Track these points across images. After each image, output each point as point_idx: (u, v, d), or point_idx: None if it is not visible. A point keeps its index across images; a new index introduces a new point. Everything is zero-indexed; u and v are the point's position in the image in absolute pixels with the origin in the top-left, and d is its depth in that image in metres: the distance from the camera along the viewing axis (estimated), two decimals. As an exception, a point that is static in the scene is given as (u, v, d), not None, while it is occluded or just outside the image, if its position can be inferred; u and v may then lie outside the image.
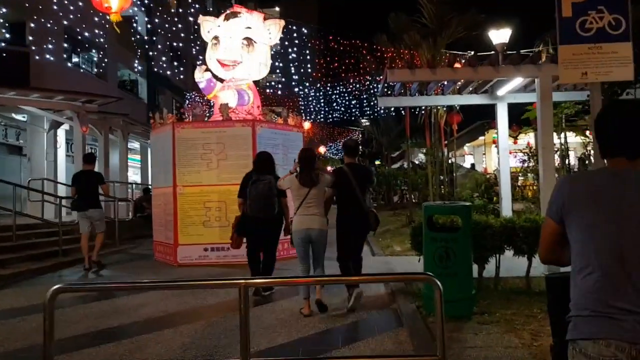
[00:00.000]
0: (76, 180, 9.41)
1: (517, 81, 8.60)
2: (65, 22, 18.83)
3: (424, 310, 5.32)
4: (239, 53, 10.07)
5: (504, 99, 9.52)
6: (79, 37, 20.51)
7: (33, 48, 17.46)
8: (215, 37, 10.25)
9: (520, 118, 13.03)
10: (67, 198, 12.86)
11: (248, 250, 6.89)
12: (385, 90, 10.83)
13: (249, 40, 10.14)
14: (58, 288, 2.91)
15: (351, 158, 6.47)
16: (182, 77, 33.17)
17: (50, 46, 17.88)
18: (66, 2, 18.98)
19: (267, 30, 10.44)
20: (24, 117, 17.00)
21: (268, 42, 10.53)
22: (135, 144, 23.65)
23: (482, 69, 7.71)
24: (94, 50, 22.46)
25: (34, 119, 16.49)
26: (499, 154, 9.62)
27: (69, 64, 20.29)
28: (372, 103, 23.98)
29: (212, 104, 11.33)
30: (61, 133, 17.52)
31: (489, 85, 9.04)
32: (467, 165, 21.44)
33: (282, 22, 10.49)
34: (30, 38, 17.87)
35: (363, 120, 29.73)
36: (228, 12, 10.34)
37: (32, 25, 18.05)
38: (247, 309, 2.77)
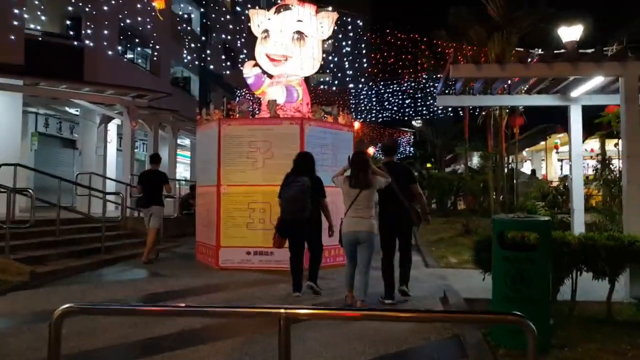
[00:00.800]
0: (142, 179, 10.07)
1: (596, 81, 7.70)
2: (120, 17, 18.85)
3: (491, 340, 4.60)
4: (290, 47, 9.56)
5: (579, 101, 8.62)
6: (134, 32, 20.55)
7: (88, 42, 17.53)
8: (265, 31, 9.77)
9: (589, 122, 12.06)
10: (113, 194, 12.71)
11: (290, 255, 6.89)
12: (445, 89, 10.07)
13: (300, 34, 9.62)
14: (68, 308, 2.37)
15: (389, 157, 6.81)
16: (233, 74, 33.12)
17: (105, 41, 17.92)
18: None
19: (319, 24, 9.89)
20: (76, 110, 17.07)
21: (320, 37, 9.97)
22: (185, 141, 23.61)
23: (559, 65, 6.88)
24: (148, 46, 22.50)
25: (86, 113, 16.52)
26: (572, 161, 8.71)
27: (123, 59, 20.35)
28: (427, 103, 22.99)
29: (258, 101, 10.86)
30: (113, 128, 17.52)
31: (562, 85, 8.17)
32: (526, 171, 20.29)
33: (335, 15, 9.91)
34: (86, 32, 17.96)
35: (415, 122, 28.58)
36: (279, 4, 9.83)
37: (88, 19, 18.15)
38: (288, 343, 2.21)
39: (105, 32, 18.04)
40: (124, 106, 14.26)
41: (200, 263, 9.73)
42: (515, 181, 15.17)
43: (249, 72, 9.95)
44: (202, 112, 9.96)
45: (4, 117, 13.04)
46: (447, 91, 10.45)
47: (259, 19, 10.08)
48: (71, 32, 18.39)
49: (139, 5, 20.42)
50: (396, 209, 6.31)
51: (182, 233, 14.60)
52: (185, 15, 26.92)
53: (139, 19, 20.34)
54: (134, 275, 8.73)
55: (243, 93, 29.18)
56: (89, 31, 17.91)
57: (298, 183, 6.57)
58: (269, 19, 9.76)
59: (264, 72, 10.12)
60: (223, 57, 31.01)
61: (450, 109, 20.58)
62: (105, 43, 17.94)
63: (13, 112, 13.33)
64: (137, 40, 21.18)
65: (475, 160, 21.52)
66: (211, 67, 28.38)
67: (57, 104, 15.88)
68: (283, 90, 9.44)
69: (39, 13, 17.27)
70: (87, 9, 17.98)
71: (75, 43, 17.46)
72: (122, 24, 19.19)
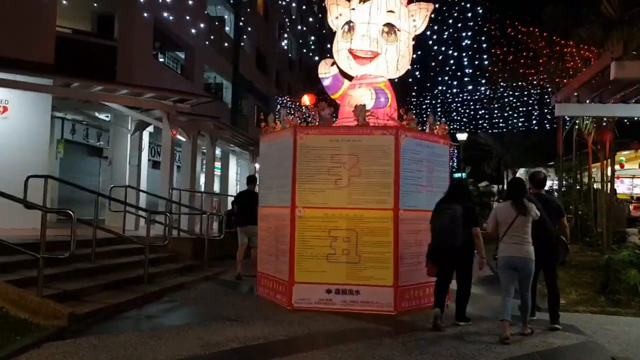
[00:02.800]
0: (238, 199, 10.94)
1: None
2: (154, 17, 17.48)
3: None
4: (379, 43, 7.97)
5: None
6: (168, 34, 19.16)
7: (121, 42, 16.16)
8: (348, 23, 8.20)
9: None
10: (159, 213, 11.12)
11: (437, 280, 6.80)
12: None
13: (391, 28, 8.03)
14: None
15: (538, 189, 6.94)
16: (265, 81, 31.73)
17: (138, 41, 16.54)
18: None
19: (411, 17, 8.29)
20: (107, 116, 15.63)
21: (412, 32, 8.38)
22: (216, 150, 22.09)
23: None
24: (181, 48, 21.14)
25: (118, 119, 15.05)
26: None
27: (157, 61, 18.97)
28: (494, 114, 21.00)
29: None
30: (144, 135, 16.03)
31: None
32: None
33: (431, 7, 8.30)
34: (119, 32, 16.59)
35: (460, 134, 26.47)
36: (365, -8, 8.25)
37: (121, 18, 16.80)
38: None
39: (139, 31, 16.66)
40: (163, 112, 12.75)
41: (264, 300, 8.09)
42: (599, 204, 13.37)
43: (325, 72, 8.39)
44: (268, 119, 8.37)
45: (33, 121, 11.62)
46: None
47: (338, 10, 8.51)
48: (103, 31, 17.05)
49: (173, 4, 19.07)
50: (542, 242, 6.32)
51: (226, 254, 13.01)
52: (219, 18, 25.55)
53: (174, 18, 18.96)
54: (190, 317, 7.15)
55: (283, 100, 27.70)
56: (122, 30, 16.54)
57: (449, 211, 6.58)
58: (353, 9, 8.19)
59: (342, 72, 8.55)
60: (255, 64, 29.69)
61: (521, 121, 18.83)
62: (138, 43, 16.55)
63: (42, 115, 11.91)
64: (171, 41, 19.79)
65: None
66: (244, 74, 26.97)
67: (88, 108, 14.43)
68: (372, 93, 7.83)
69: (70, 10, 15.94)
70: (119, 7, 16.63)
71: (108, 42, 16.10)
72: (155, 24, 17.79)
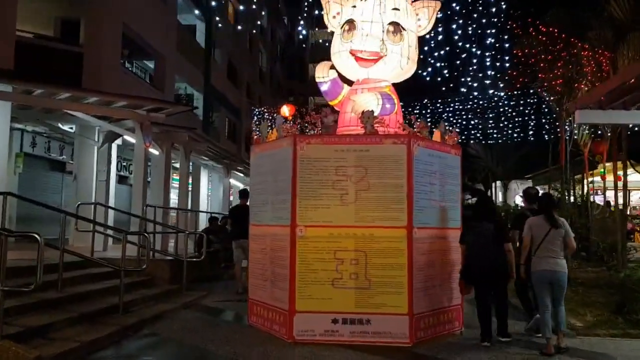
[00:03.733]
0: (232, 213, 11.27)
1: None
2: (123, 24, 16.48)
3: None
4: (383, 43, 7.23)
5: None
6: (137, 41, 18.12)
7: (87, 49, 15.09)
8: (349, 22, 7.44)
9: None
10: (135, 233, 10.04)
11: (477, 306, 6.60)
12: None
13: (396, 27, 7.32)
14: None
15: (531, 204, 7.29)
16: (237, 94, 30.81)
17: (106, 48, 15.49)
18: (126, 1, 16.68)
19: (416, 16, 7.59)
20: (71, 127, 14.47)
21: (417, 31, 7.68)
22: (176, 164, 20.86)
23: None
24: (151, 57, 20.10)
25: (84, 130, 13.91)
26: None
27: (126, 70, 17.89)
28: (488, 124, 20.41)
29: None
30: (113, 148, 14.92)
31: None
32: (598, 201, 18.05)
33: (438, 4, 7.62)
34: (85, 37, 15.50)
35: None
36: (367, -13, 7.52)
37: (88, 23, 15.72)
38: None
39: (107, 38, 15.61)
40: (136, 122, 11.74)
41: (258, 331, 7.17)
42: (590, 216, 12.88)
43: (323, 75, 7.61)
44: (261, 128, 7.52)
45: (-11, 133, 10.46)
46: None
47: (337, 7, 7.76)
48: (68, 37, 15.94)
49: (143, 11, 18.09)
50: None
51: (203, 277, 12.02)
52: (190, 27, 24.61)
53: (143, 25, 17.96)
54: (177, 356, 6.19)
55: (261, 111, 26.77)
56: (88, 36, 15.46)
57: (485, 229, 6.51)
58: (354, 7, 7.44)
59: (341, 76, 7.78)
60: (227, 76, 28.80)
61: (515, 131, 18.20)
62: (106, 50, 15.50)
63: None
64: (140, 49, 18.73)
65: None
66: (215, 85, 26.03)
67: (51, 119, 13.25)
68: (378, 98, 7.07)
69: (32, 13, 14.83)
70: (86, 11, 15.57)
71: (73, 48, 15.00)
72: (124, 31, 16.76)
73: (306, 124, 6.81)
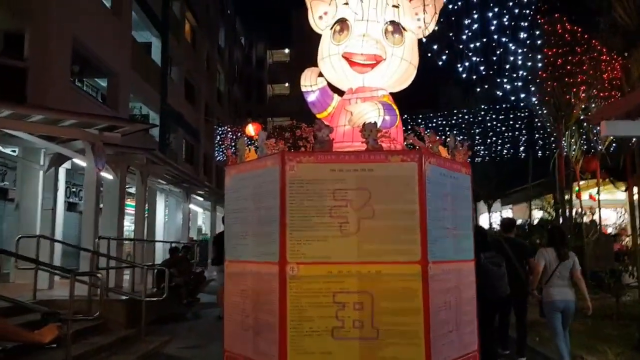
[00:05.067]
0: (217, 240, 10.87)
1: None
2: (73, 38, 15.09)
3: None
4: (382, 45, 6.23)
5: None
6: (89, 57, 16.73)
7: (32, 64, 13.63)
8: (341, 21, 6.41)
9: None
10: (87, 274, 8.63)
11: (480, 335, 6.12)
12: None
13: (396, 26, 6.34)
14: None
15: (508, 233, 8.09)
16: (195, 114, 29.45)
17: (53, 64, 14.07)
18: (76, 14, 15.31)
19: (415, 15, 6.63)
20: (13, 150, 12.94)
21: (418, 33, 6.71)
22: (131, 189, 19.30)
23: None
24: (104, 74, 18.66)
25: (28, 153, 12.42)
26: None
27: (75, 87, 16.41)
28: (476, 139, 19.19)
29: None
30: (61, 172, 13.40)
31: None
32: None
33: (440, 3, 6.68)
34: (30, 52, 14.03)
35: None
36: (359, -17, 6.52)
37: (33, 37, 14.27)
38: None
39: (54, 53, 14.20)
40: (87, 142, 10.36)
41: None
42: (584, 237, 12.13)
43: (310, 83, 6.53)
44: (238, 144, 6.35)
45: None
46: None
47: (323, 7, 6.72)
48: (10, 50, 14.41)
49: (96, 25, 16.73)
50: (514, 281, 7.16)
51: (163, 316, 10.63)
52: (146, 44, 23.29)
53: (96, 40, 16.59)
54: None
55: (224, 129, 25.45)
56: (33, 50, 14.00)
57: (494, 261, 6.86)
58: (346, 4, 6.42)
59: (330, 85, 6.72)
60: (184, 95, 27.49)
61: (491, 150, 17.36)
62: (53, 66, 14.08)
63: None
64: (92, 66, 17.31)
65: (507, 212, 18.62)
66: (172, 105, 24.67)
67: (-10, 140, 11.74)
68: (379, 109, 6.02)
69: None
70: (32, 24, 14.12)
71: (16, 63, 13.51)
72: (75, 46, 15.36)
73: (298, 139, 5.66)
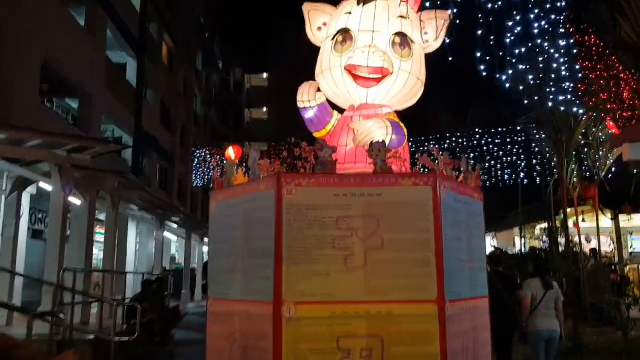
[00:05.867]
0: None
1: None
2: (43, 55, 14.28)
3: None
4: (389, 58, 5.64)
5: None
6: (60, 76, 15.89)
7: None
8: (344, 32, 5.80)
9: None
10: (49, 314, 7.70)
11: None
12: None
13: (404, 38, 5.76)
14: None
15: (497, 266, 7.98)
16: (170, 138, 28.58)
17: (20, 82, 13.22)
18: (48, 31, 14.54)
19: (423, 29, 6.07)
20: (-28, 173, 11.92)
21: (424, 47, 6.15)
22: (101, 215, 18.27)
23: None
24: (75, 94, 17.79)
25: (-12, 176, 11.44)
26: None
27: (44, 108, 15.52)
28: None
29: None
30: (24, 197, 12.43)
31: None
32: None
33: (447, 16, 6.13)
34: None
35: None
36: (363, -9, 5.96)
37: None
38: None
39: (22, 70, 13.36)
40: (54, 164, 9.51)
41: None
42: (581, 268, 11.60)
43: (309, 99, 5.88)
44: (226, 166, 5.64)
45: None
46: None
47: (323, 17, 6.14)
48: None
49: (68, 43, 15.95)
50: (501, 313, 6.62)
51: (134, 357, 9.67)
52: (121, 65, 22.52)
53: (68, 59, 15.79)
54: None
55: (201, 152, 24.59)
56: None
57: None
58: (349, 13, 5.83)
59: (329, 102, 6.10)
60: (160, 118, 26.67)
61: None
62: (21, 84, 13.22)
63: None
64: (63, 85, 16.46)
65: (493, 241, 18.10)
66: (147, 128, 23.83)
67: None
68: (387, 127, 5.39)
69: None
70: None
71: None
72: (45, 63, 14.54)
73: (297, 160, 4.98)
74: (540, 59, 9.99)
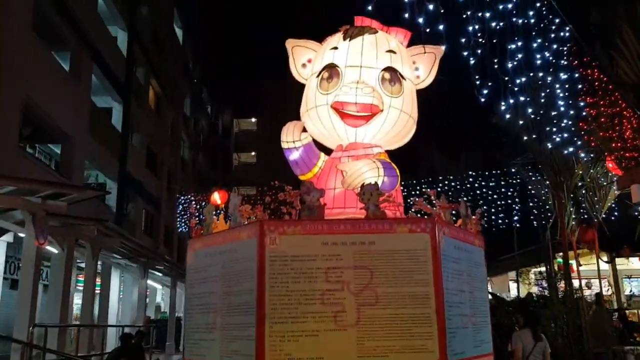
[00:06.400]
0: None
1: None
2: (25, 98, 13.91)
3: None
4: (378, 94, 5.28)
5: None
6: (42, 120, 15.49)
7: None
8: (330, 67, 5.46)
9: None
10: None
11: None
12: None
13: (394, 74, 5.42)
14: None
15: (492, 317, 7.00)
16: (156, 183, 28.08)
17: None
18: (31, 76, 14.22)
19: (413, 64, 5.75)
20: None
21: (417, 83, 5.81)
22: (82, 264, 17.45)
23: None
24: (59, 140, 17.35)
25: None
26: None
27: (24, 153, 15.05)
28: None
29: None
30: (1, 245, 11.83)
31: None
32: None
33: (440, 52, 5.80)
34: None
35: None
36: (348, 27, 5.65)
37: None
38: None
39: (1, 112, 12.94)
40: (27, 212, 8.99)
41: None
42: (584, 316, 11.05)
43: (294, 139, 5.50)
44: (205, 212, 5.19)
45: None
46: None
47: (307, 53, 5.82)
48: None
49: (51, 86, 15.62)
50: None
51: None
52: (107, 109, 22.20)
53: (51, 103, 15.43)
54: None
55: (184, 198, 24.02)
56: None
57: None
58: (335, 48, 5.50)
59: (316, 142, 5.71)
60: (145, 163, 26.23)
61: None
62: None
63: None
64: (45, 129, 16.04)
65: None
66: (132, 173, 23.36)
67: None
68: (379, 168, 4.97)
69: None
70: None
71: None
72: (26, 106, 14.16)
73: (281, 205, 4.54)
74: (542, 93, 9.70)
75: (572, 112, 9.72)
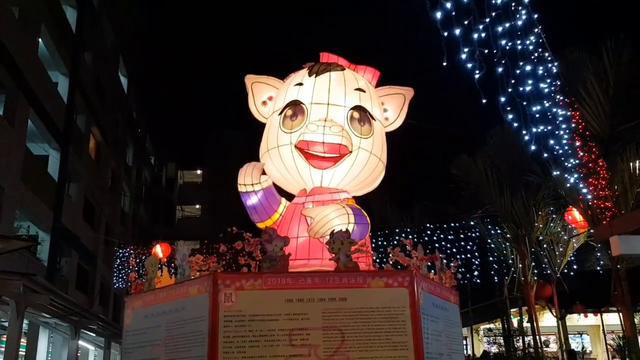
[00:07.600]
0: None
1: None
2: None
3: None
4: (347, 134, 4.83)
5: None
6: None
7: None
8: (294, 104, 4.99)
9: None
10: None
11: None
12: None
13: (363, 113, 5.00)
14: None
15: None
16: (92, 236, 26.51)
17: None
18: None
19: (381, 105, 5.38)
20: None
21: (385, 125, 5.41)
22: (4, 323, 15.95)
23: None
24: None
25: None
26: None
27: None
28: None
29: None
30: None
31: None
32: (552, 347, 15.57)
33: (410, 94, 5.44)
34: None
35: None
36: (314, 63, 5.24)
37: None
38: None
39: None
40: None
41: None
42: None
43: (253, 182, 4.92)
44: (147, 264, 4.48)
45: None
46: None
47: (268, 90, 5.34)
48: None
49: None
50: None
51: None
52: (42, 156, 20.93)
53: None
54: None
55: (124, 252, 22.60)
56: None
57: None
58: (300, 84, 5.05)
59: (276, 187, 5.17)
60: (82, 214, 24.79)
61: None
62: None
63: None
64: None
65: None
66: (66, 224, 21.91)
67: None
68: (348, 215, 4.45)
69: None
70: None
71: None
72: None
73: (238, 254, 3.92)
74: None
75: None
